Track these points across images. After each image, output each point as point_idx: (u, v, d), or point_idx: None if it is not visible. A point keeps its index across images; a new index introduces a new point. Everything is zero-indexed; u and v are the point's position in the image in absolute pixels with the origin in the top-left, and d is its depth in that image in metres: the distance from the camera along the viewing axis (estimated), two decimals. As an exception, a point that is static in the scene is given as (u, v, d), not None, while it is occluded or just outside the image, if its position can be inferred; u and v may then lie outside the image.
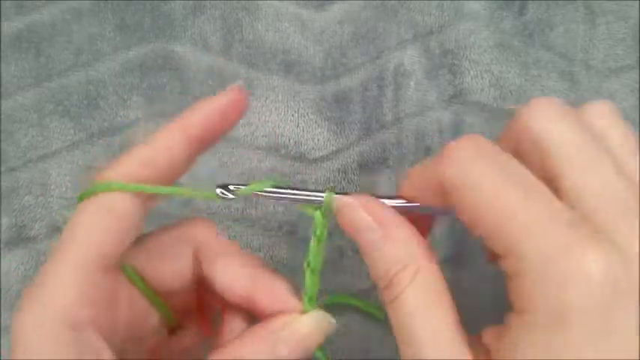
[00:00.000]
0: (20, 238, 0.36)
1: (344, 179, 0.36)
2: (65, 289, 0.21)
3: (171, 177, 0.25)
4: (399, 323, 0.22)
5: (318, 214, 0.25)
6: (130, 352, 0.25)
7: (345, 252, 0.36)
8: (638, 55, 0.37)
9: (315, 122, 0.37)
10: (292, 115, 0.36)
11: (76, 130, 0.36)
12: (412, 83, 0.37)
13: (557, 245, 0.19)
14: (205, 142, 0.25)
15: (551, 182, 0.21)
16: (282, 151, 0.37)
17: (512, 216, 0.20)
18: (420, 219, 0.26)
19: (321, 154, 0.36)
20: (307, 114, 0.37)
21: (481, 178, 0.21)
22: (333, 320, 0.25)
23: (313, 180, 0.36)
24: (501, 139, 0.24)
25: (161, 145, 0.24)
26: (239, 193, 0.25)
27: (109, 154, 0.36)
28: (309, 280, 0.25)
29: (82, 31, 0.37)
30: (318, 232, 0.25)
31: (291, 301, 0.25)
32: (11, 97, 0.36)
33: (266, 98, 0.37)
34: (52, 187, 0.36)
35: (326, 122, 0.37)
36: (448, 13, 0.38)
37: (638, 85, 0.37)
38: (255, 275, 0.25)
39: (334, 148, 0.37)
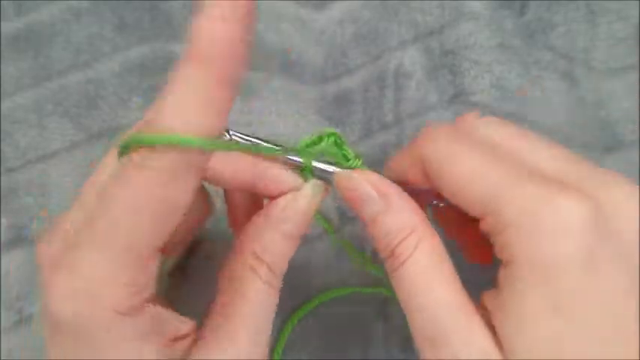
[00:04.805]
0: (20, 239, 0.35)
1: (344, 180, 0.36)
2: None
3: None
4: (404, 290, 0.23)
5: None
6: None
7: (343, 252, 0.36)
8: (638, 55, 0.37)
9: (316, 122, 0.37)
10: (292, 116, 0.36)
11: (75, 131, 0.36)
12: (413, 84, 0.37)
13: (532, 196, 0.21)
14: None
15: None
16: (283, 152, 0.36)
17: (486, 176, 0.22)
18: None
19: (321, 154, 0.36)
20: (307, 114, 0.37)
21: (455, 149, 0.23)
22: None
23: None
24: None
25: None
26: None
27: (109, 155, 0.36)
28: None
29: (81, 31, 0.37)
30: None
31: (290, 179, 0.25)
32: (10, 98, 0.36)
33: (266, 99, 0.37)
34: (51, 187, 0.36)
35: (326, 123, 0.37)
36: (449, 13, 0.37)
37: (638, 86, 0.37)
38: (255, 164, 0.26)
39: (334, 149, 0.36)
